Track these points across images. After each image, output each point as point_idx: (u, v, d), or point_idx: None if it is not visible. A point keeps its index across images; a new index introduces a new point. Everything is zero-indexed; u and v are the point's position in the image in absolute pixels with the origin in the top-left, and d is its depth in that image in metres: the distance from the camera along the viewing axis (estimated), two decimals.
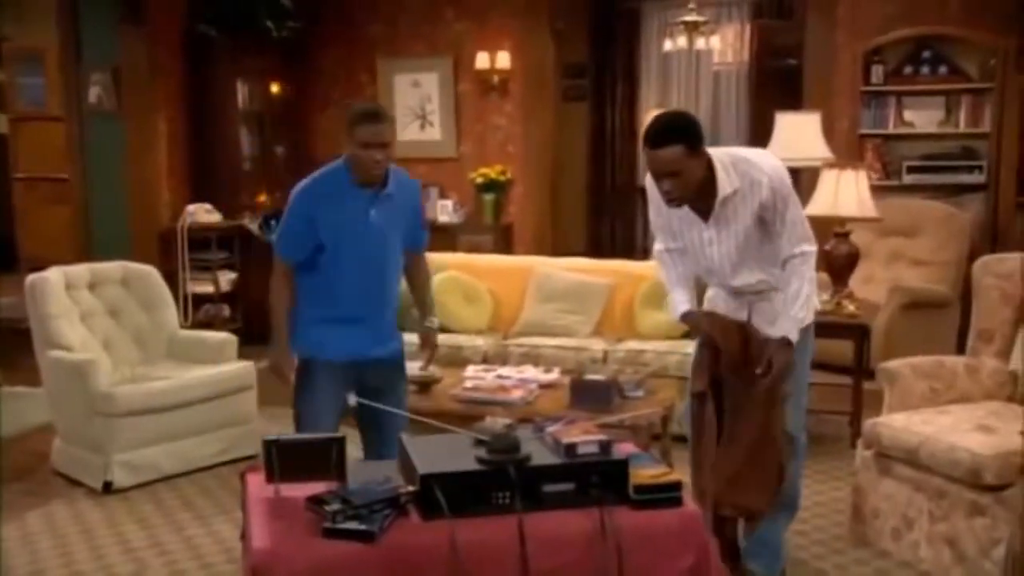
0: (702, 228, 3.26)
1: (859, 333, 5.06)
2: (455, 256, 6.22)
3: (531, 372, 4.70)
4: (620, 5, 9.29)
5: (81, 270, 5.16)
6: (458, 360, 5.11)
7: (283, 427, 4.09)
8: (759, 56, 8.90)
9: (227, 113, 7.77)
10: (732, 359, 3.28)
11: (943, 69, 7.14)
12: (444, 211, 8.08)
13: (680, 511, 2.66)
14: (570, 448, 2.65)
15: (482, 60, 7.98)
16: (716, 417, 3.32)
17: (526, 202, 8.19)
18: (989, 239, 6.83)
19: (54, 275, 4.91)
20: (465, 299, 5.78)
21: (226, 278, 7.50)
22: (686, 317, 3.43)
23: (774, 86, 8.46)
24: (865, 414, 4.54)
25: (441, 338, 3.85)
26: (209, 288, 7.41)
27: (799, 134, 5.81)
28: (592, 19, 9.24)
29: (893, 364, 4.05)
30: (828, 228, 5.06)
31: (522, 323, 5.74)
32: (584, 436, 2.70)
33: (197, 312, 7.35)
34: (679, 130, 3.07)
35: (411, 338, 3.77)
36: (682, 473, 3.04)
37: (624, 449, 2.86)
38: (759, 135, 7.50)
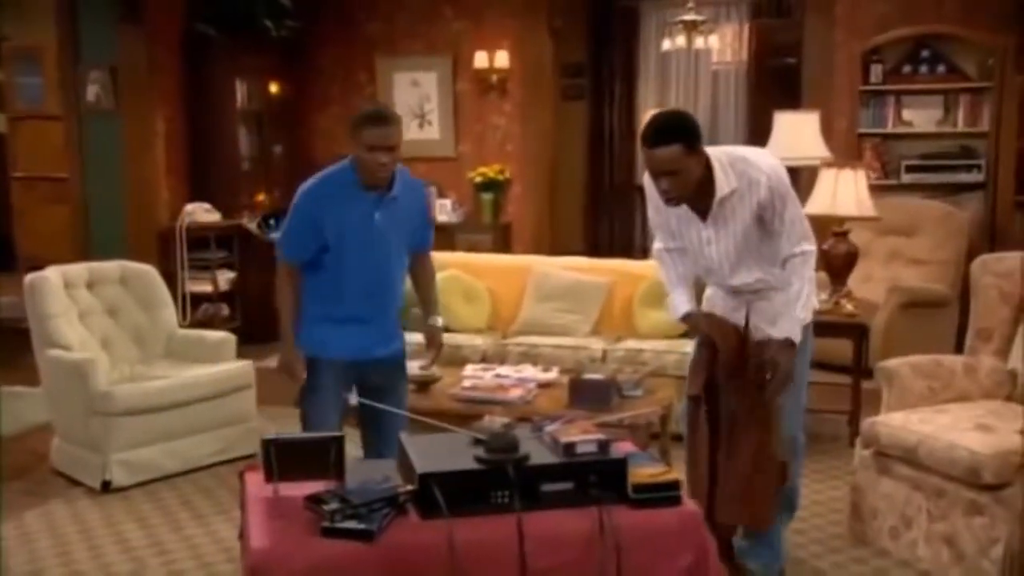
0: (700, 227, 3.26)
1: (858, 332, 5.06)
2: (454, 255, 6.21)
3: (530, 371, 4.70)
4: (618, 4, 9.29)
5: (80, 269, 5.16)
6: (457, 359, 5.11)
7: (282, 426, 4.10)
8: (758, 55, 8.91)
9: (226, 112, 7.76)
10: (729, 362, 3.28)
11: (941, 68, 7.15)
12: (443, 210, 8.07)
13: (679, 510, 2.66)
14: (569, 447, 2.65)
15: (481, 59, 7.98)
16: (709, 424, 3.33)
17: (525, 201, 8.20)
18: (988, 238, 6.84)
19: (53, 274, 4.91)
20: (464, 298, 5.78)
21: (225, 277, 7.50)
22: (687, 318, 3.44)
23: (773, 85, 8.46)
24: (864, 413, 4.54)
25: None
26: (208, 287, 7.40)
27: (798, 133, 5.81)
28: (591, 18, 9.24)
29: (892, 363, 4.05)
30: (827, 227, 5.06)
31: (521, 322, 5.74)
32: (583, 435, 2.70)
33: (196, 311, 7.35)
34: (677, 129, 3.07)
35: (412, 337, 3.76)
36: (680, 472, 3.05)
37: (623, 448, 2.86)
38: (758, 134, 7.50)
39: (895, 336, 5.82)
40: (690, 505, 2.73)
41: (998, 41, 6.81)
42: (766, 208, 3.16)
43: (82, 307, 5.02)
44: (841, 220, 5.11)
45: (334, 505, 2.51)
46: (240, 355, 5.28)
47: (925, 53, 7.15)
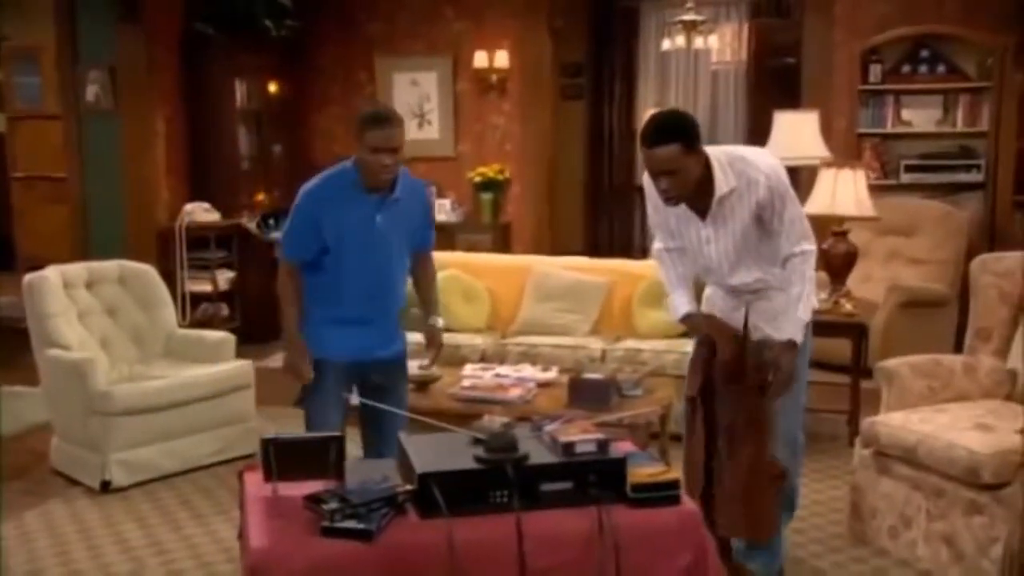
0: (699, 227, 3.26)
1: (857, 332, 5.06)
2: (453, 255, 6.21)
3: (529, 371, 4.70)
4: (618, 4, 9.29)
5: (79, 269, 5.15)
6: (456, 359, 5.11)
7: (281, 426, 4.10)
8: (757, 55, 8.90)
9: (225, 112, 7.76)
10: (726, 367, 3.28)
11: (941, 68, 7.15)
12: (442, 210, 8.07)
13: (678, 509, 2.66)
14: (568, 447, 2.65)
15: (480, 59, 7.98)
16: (705, 428, 3.32)
17: (524, 201, 8.20)
18: (987, 238, 6.85)
19: (52, 274, 4.91)
20: (463, 298, 5.78)
21: (224, 277, 7.49)
22: (687, 319, 3.43)
23: (772, 85, 8.46)
24: (863, 413, 4.54)
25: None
26: (207, 287, 7.40)
27: (797, 133, 5.81)
28: (590, 18, 9.23)
29: (891, 363, 4.05)
30: (826, 227, 5.06)
31: (520, 322, 5.74)
32: (582, 435, 2.70)
33: (195, 311, 7.35)
34: (675, 129, 3.07)
35: (411, 337, 3.76)
36: (680, 472, 3.05)
37: (622, 448, 2.86)
38: (757, 134, 7.50)
39: (894, 336, 5.82)
40: (689, 504, 2.73)
41: (997, 41, 6.81)
42: (765, 208, 3.15)
43: (81, 307, 5.02)
44: (840, 220, 5.11)
45: (333, 505, 2.50)
46: (239, 355, 5.27)
47: (924, 53, 7.15)
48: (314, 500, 2.55)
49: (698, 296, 3.53)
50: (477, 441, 2.69)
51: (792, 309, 3.20)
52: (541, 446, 2.72)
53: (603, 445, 2.67)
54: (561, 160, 8.67)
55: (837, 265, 5.14)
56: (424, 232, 3.60)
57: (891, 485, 3.81)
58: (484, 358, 5.34)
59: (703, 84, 9.50)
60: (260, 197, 7.91)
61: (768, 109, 6.38)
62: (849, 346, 5.06)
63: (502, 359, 5.30)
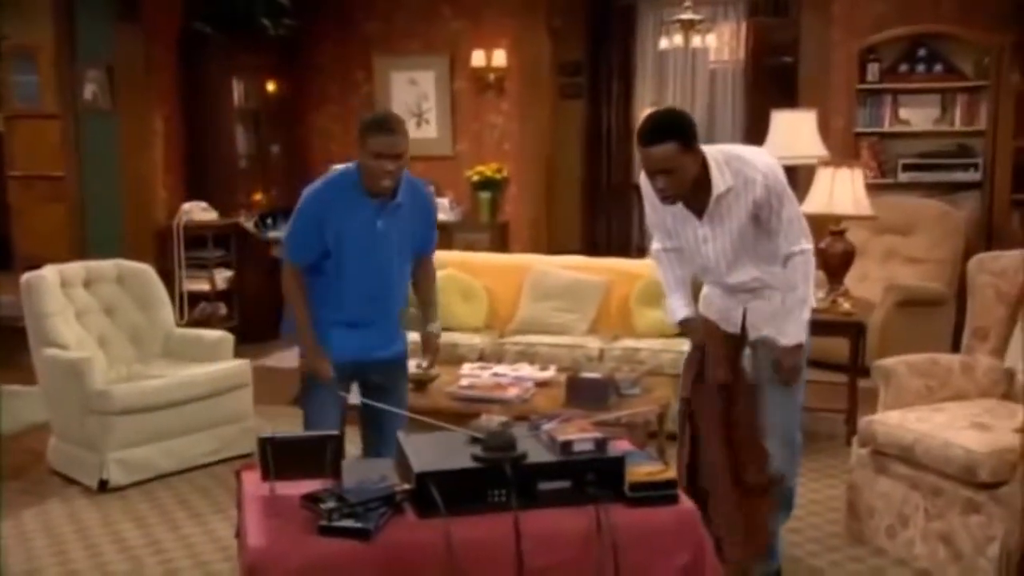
0: (697, 225, 3.26)
1: (854, 331, 5.06)
2: (451, 254, 6.20)
3: (527, 370, 4.70)
4: (616, 3, 9.29)
5: (77, 268, 5.15)
6: (454, 358, 5.11)
7: (279, 425, 4.10)
8: (755, 54, 8.90)
9: (223, 111, 7.76)
10: (717, 376, 3.28)
11: (938, 67, 7.15)
12: (440, 209, 8.01)
13: (676, 508, 2.66)
14: (566, 446, 2.65)
15: (478, 58, 7.98)
16: (691, 431, 3.33)
17: (522, 200, 8.20)
18: (984, 237, 6.85)
19: (50, 273, 4.90)
20: (461, 297, 5.78)
21: (222, 276, 7.49)
22: (684, 324, 3.43)
23: (770, 84, 8.46)
24: (860, 412, 4.54)
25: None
26: (205, 286, 7.39)
27: (795, 132, 5.81)
28: (588, 17, 9.24)
29: (888, 362, 4.05)
30: (823, 226, 5.06)
31: (518, 321, 5.73)
32: (580, 434, 2.70)
33: (193, 310, 7.34)
34: (672, 128, 3.07)
35: (410, 336, 3.76)
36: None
37: (620, 447, 2.86)
38: (755, 133, 7.49)
39: (892, 335, 5.82)
40: (687, 503, 2.73)
41: (995, 40, 6.81)
42: (762, 207, 3.16)
43: (79, 306, 5.01)
44: (838, 219, 5.11)
45: (331, 504, 2.51)
46: (237, 354, 5.27)
47: (922, 52, 7.15)
48: (312, 499, 2.55)
49: (696, 295, 3.53)
50: (475, 440, 2.70)
51: (794, 312, 3.21)
52: (539, 445, 2.72)
53: (601, 444, 2.67)
54: (559, 159, 8.67)
55: (835, 264, 5.14)
56: (426, 235, 3.59)
57: (888, 484, 3.82)
58: (482, 357, 5.34)
59: (701, 83, 9.50)
60: (258, 196, 7.91)
61: (766, 108, 6.37)
62: (846, 345, 5.07)
63: (500, 358, 5.30)
